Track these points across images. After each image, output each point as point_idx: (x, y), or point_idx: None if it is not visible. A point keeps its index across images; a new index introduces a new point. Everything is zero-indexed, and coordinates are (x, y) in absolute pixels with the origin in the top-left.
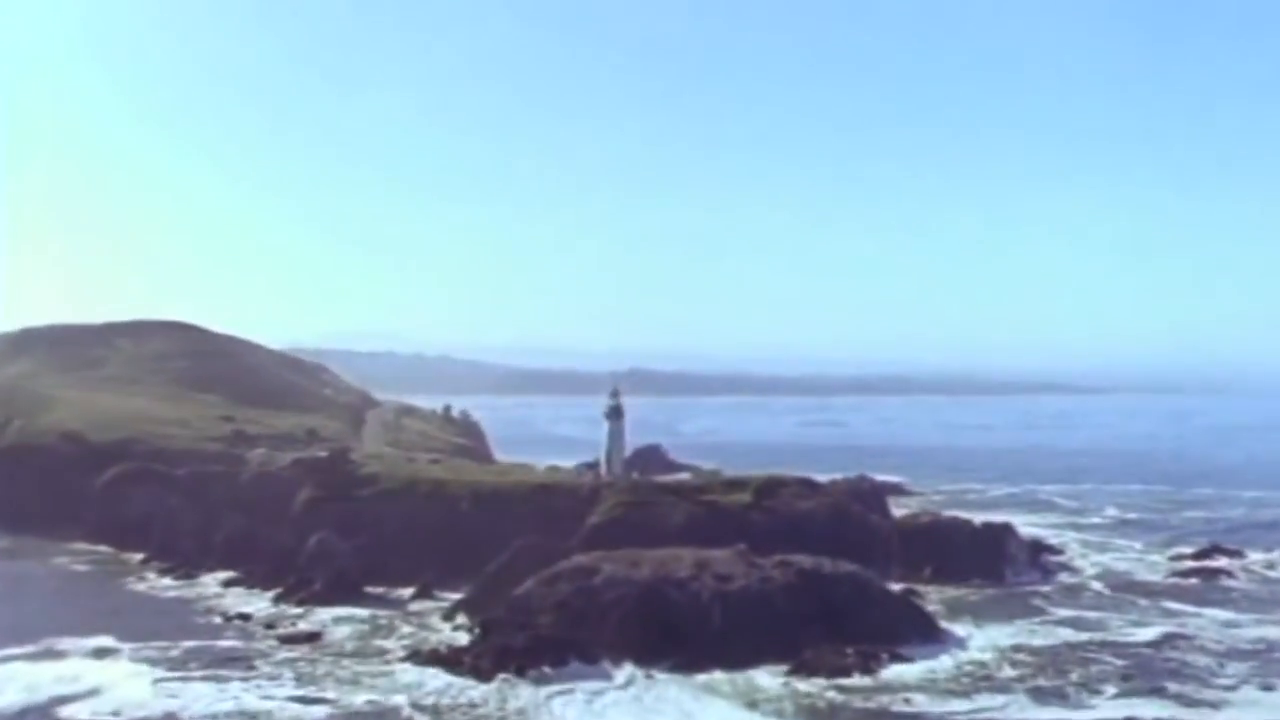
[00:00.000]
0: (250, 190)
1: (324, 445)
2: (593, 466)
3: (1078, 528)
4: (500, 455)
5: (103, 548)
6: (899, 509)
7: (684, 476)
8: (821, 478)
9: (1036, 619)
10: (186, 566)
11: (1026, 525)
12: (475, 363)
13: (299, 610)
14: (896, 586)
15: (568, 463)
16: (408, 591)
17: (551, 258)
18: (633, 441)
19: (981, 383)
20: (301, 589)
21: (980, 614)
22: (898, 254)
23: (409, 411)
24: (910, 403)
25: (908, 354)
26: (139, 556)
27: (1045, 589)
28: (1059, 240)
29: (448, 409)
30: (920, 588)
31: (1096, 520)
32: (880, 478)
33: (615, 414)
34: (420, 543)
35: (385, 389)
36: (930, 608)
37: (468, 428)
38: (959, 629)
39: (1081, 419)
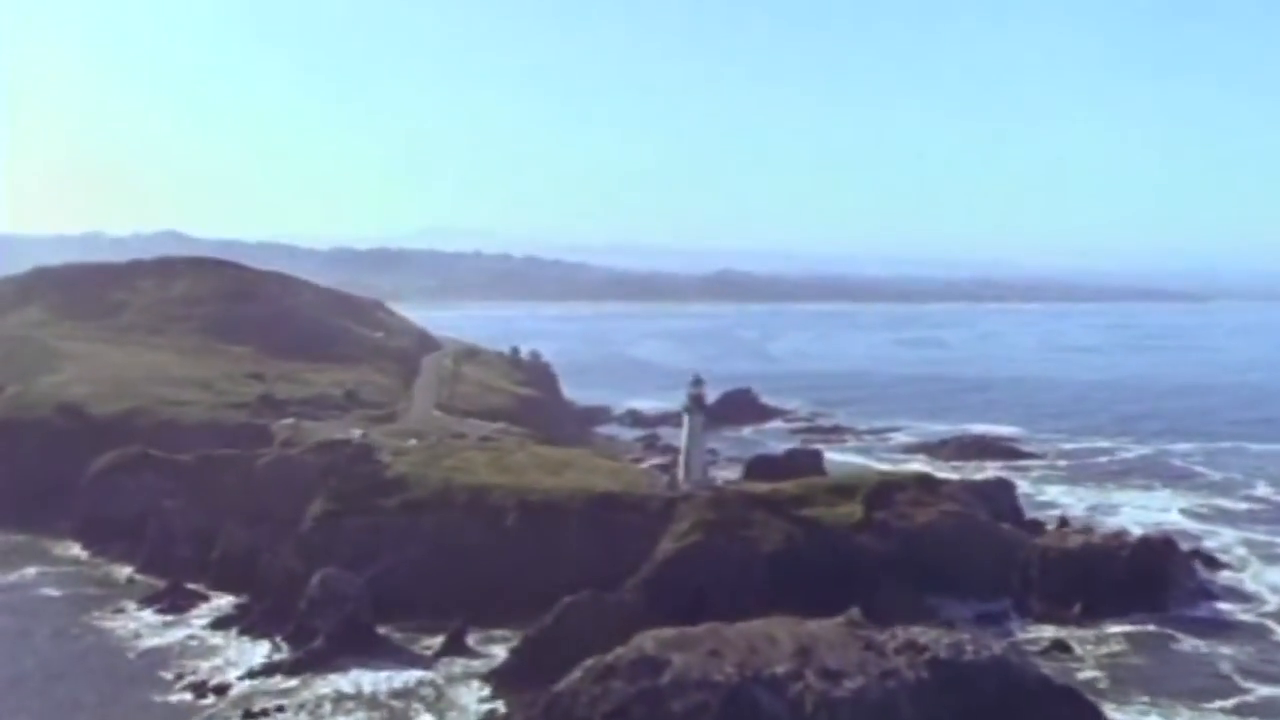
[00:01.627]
0: (331, 86)
1: (361, 417)
2: (668, 469)
3: (1230, 517)
4: (572, 391)
5: (86, 554)
6: (1022, 478)
7: (777, 425)
8: (929, 428)
9: (1230, 699)
10: (173, 596)
11: (1170, 514)
12: (562, 263)
13: (292, 682)
14: (1041, 634)
15: (646, 404)
16: (435, 641)
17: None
18: (723, 366)
19: (1076, 290)
20: (302, 641)
21: (1155, 689)
22: (993, 153)
23: (471, 355)
24: (1005, 312)
25: (999, 255)
26: (126, 571)
27: (1225, 649)
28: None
29: (515, 351)
30: (1069, 633)
31: (1248, 505)
32: (992, 431)
33: (696, 407)
34: (455, 568)
35: (467, 294)
36: (1089, 675)
37: (535, 371)
38: None
39: (1188, 337)
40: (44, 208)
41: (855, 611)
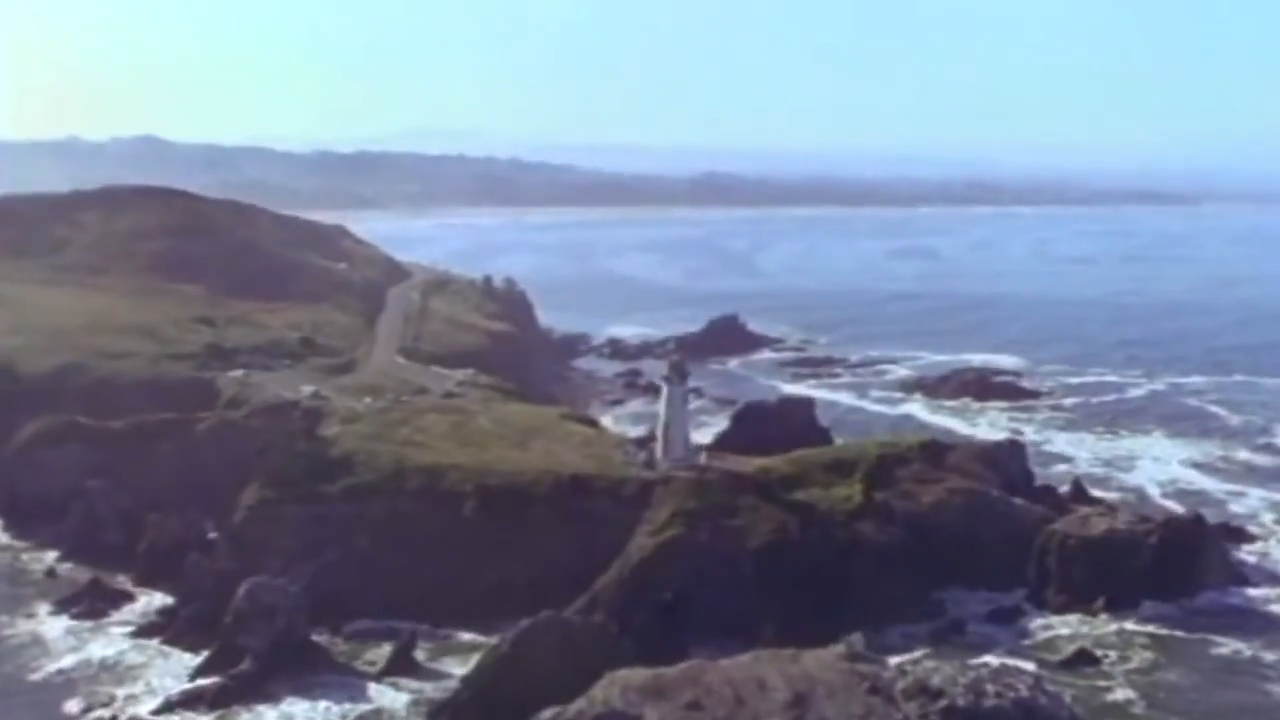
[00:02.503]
0: None
1: (316, 368)
2: (644, 444)
3: (1256, 475)
4: (551, 316)
5: (6, 538)
6: (1027, 424)
7: (766, 356)
8: (925, 359)
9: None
10: (92, 597)
11: (1190, 471)
12: (546, 165)
13: (213, 717)
14: (1060, 632)
15: (627, 330)
16: (382, 653)
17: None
18: (709, 282)
19: (1068, 192)
20: (228, 662)
21: (1196, 711)
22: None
23: (440, 287)
24: (997, 217)
25: (988, 154)
26: (50, 558)
27: (1270, 655)
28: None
29: (488, 280)
30: (1092, 629)
31: (1272, 458)
32: (992, 363)
33: (676, 376)
34: (406, 563)
35: (448, 201)
36: (1121, 696)
37: (509, 301)
38: None
39: (1185, 246)
40: (17, 114)
41: (857, 640)
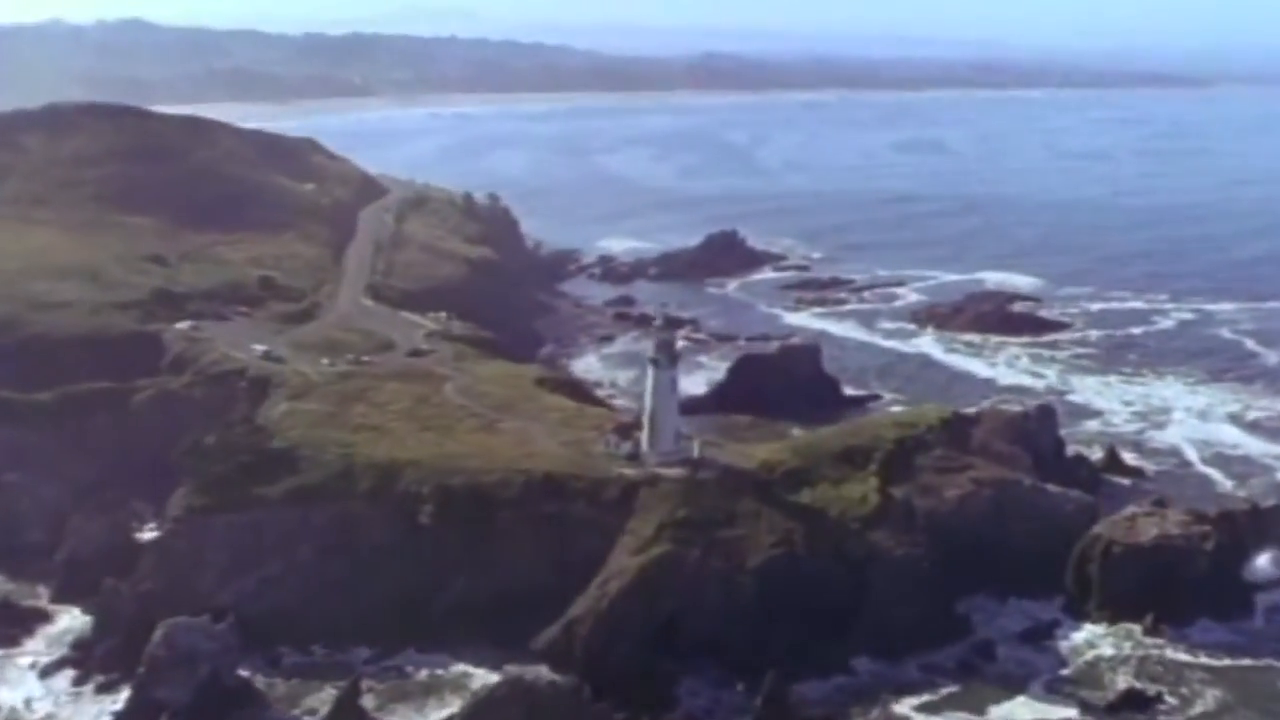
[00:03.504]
0: None
1: (274, 316)
2: (629, 433)
3: None
4: (539, 225)
5: None
6: (1050, 364)
7: (767, 276)
8: (936, 279)
9: None
10: (10, 619)
11: (1230, 427)
12: (542, 47)
13: None
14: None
15: (619, 244)
16: (323, 698)
17: None
18: (707, 182)
19: (1076, 73)
20: (143, 718)
21: None
22: None
23: (418, 205)
24: (1005, 102)
25: (993, 34)
26: None
27: None
28: None
29: (469, 197)
30: (1142, 657)
31: None
32: (1008, 284)
33: (664, 358)
34: (355, 580)
35: (441, 88)
36: None
37: (493, 220)
38: None
39: (1199, 136)
40: None
41: None
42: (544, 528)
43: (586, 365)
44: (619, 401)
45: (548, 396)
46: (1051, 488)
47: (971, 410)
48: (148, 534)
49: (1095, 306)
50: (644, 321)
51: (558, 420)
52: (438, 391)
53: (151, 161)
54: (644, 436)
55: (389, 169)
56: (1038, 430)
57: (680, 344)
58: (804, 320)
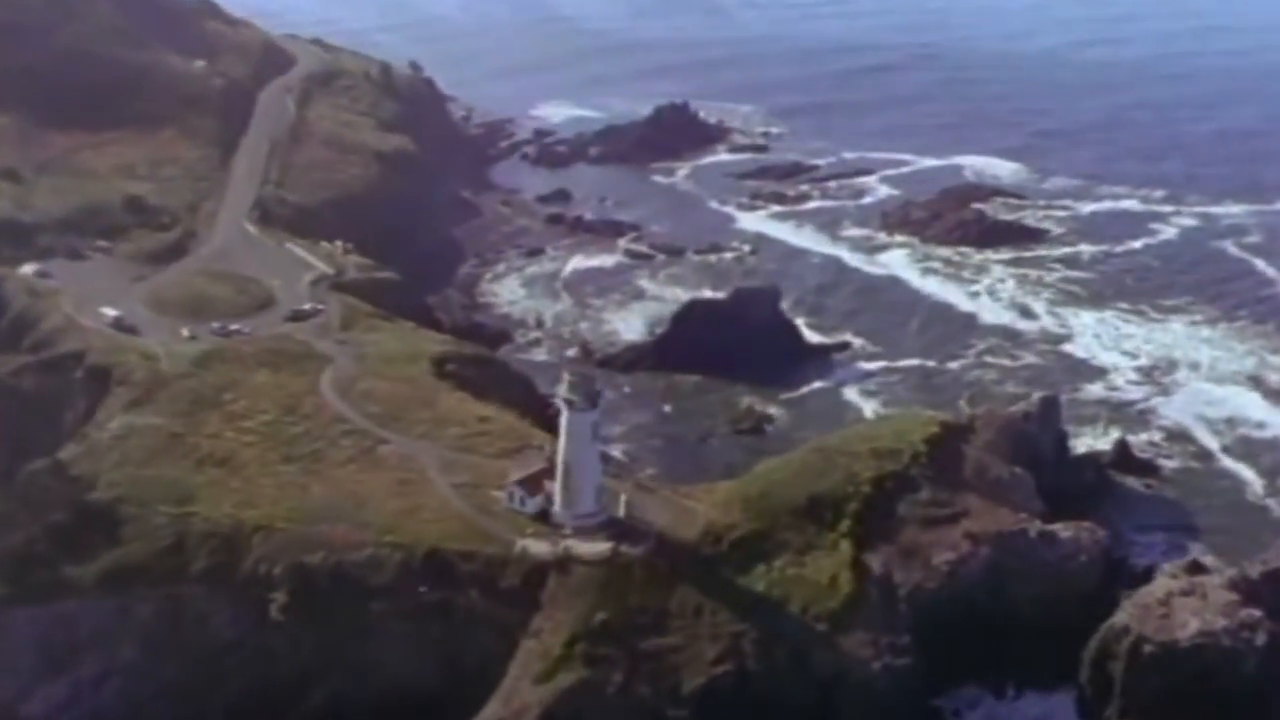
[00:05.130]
0: None
1: (138, 254)
2: (537, 484)
3: None
4: (473, 90)
5: None
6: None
7: (722, 158)
8: (908, 165)
9: None
10: None
11: (1255, 395)
12: None
13: None
14: None
15: (557, 112)
16: None
17: None
18: (661, 26)
19: None
20: None
21: None
22: None
23: (327, 81)
24: None
25: None
26: None
27: None
28: None
29: (386, 70)
30: None
31: None
32: (989, 171)
33: (580, 399)
34: (190, 685)
35: None
36: None
37: (413, 95)
38: None
39: None
40: None
41: None
42: (428, 621)
43: (509, 293)
44: (540, 354)
45: (448, 396)
46: (1062, 531)
47: (964, 408)
48: None
49: (1086, 209)
50: (578, 227)
51: (456, 440)
52: (312, 389)
53: (8, 44)
54: (556, 492)
55: (300, 19)
56: (1039, 433)
57: (622, 256)
58: (760, 224)
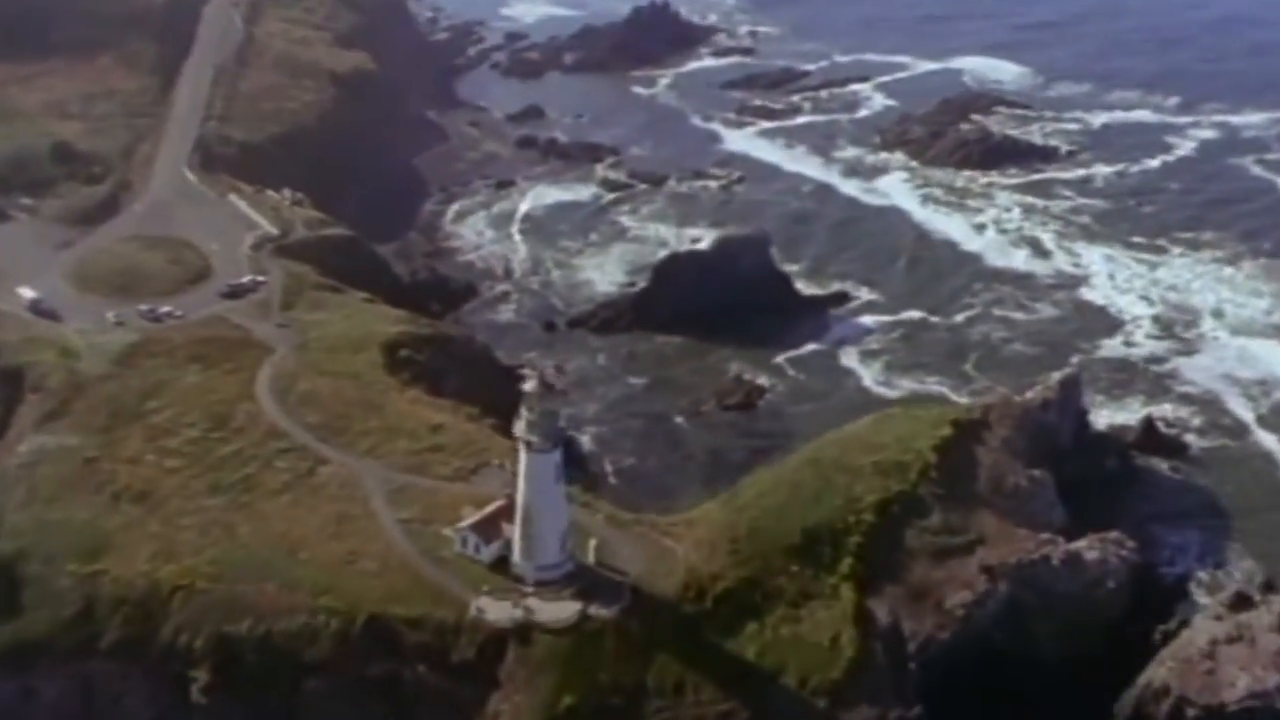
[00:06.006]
0: None
1: (65, 212)
2: (494, 527)
3: None
4: None
5: None
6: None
7: (706, 64)
8: (905, 70)
9: None
10: None
11: (1267, 337)
12: None
13: None
14: None
15: (533, 8)
16: None
17: None
18: None
19: None
20: None
21: None
22: None
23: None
24: None
25: None
26: None
27: None
28: None
29: None
30: None
31: None
32: (991, 75)
33: (540, 439)
34: None
35: None
36: None
37: (371, 3)
38: None
39: None
40: None
41: None
42: (371, 701)
43: (475, 235)
44: (507, 312)
45: (398, 397)
46: (1087, 551)
47: (977, 397)
48: None
49: (1096, 120)
50: (552, 151)
51: (406, 457)
52: (247, 392)
53: None
54: (516, 539)
55: None
56: (1058, 422)
57: (599, 187)
58: (748, 143)
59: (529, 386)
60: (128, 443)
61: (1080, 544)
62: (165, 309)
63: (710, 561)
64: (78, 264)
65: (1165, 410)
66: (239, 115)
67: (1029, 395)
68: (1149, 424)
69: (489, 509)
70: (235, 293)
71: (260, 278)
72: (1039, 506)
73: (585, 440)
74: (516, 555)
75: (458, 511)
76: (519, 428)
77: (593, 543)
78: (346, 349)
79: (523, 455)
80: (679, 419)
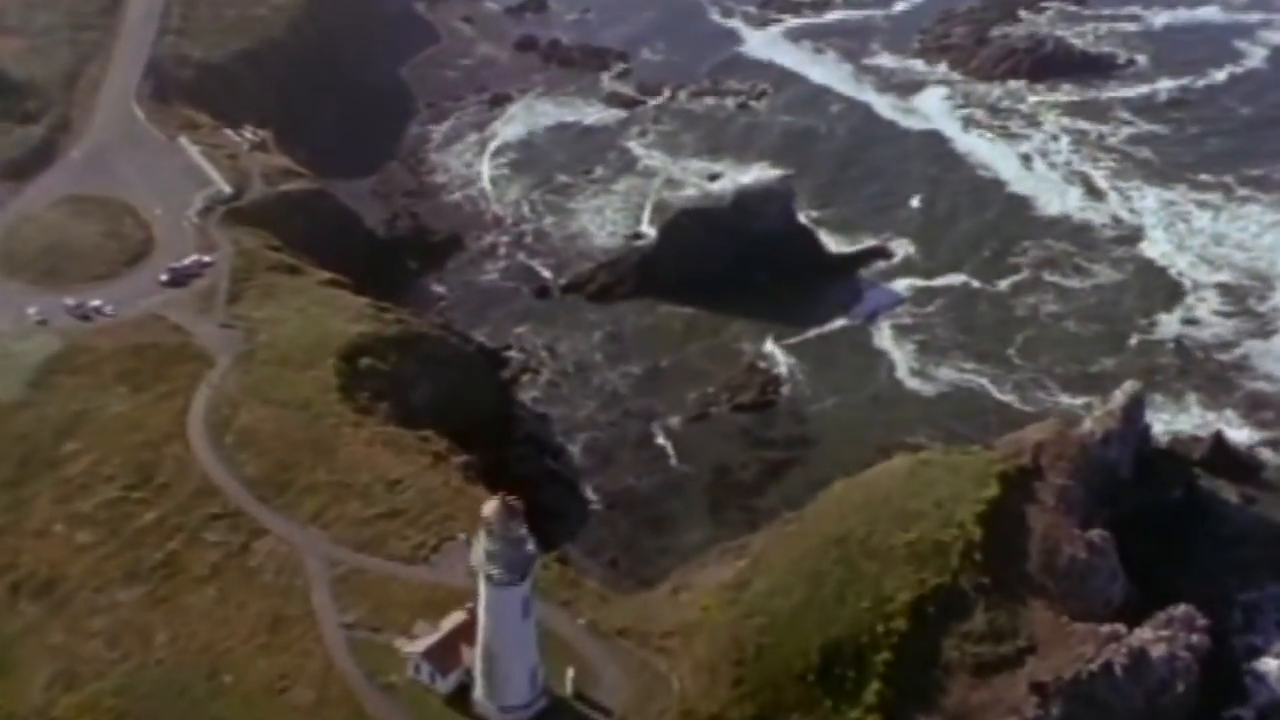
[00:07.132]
0: None
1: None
2: (450, 655)
3: None
4: None
5: None
6: (1103, 156)
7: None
8: None
9: None
10: None
11: None
12: None
13: None
14: None
15: None
16: None
17: None
18: None
19: None
20: None
21: None
22: None
23: None
24: None
25: None
26: None
27: None
28: None
29: None
30: None
31: None
32: None
33: (503, 573)
34: None
35: None
36: None
37: None
38: None
39: None
40: None
41: None
42: None
43: (464, 167)
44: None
45: (353, 435)
46: (1153, 645)
47: (1026, 434)
48: None
49: (1156, 20)
50: (553, 57)
51: (357, 524)
52: (179, 427)
53: None
54: (478, 674)
55: None
56: (1119, 457)
57: (604, 104)
58: (772, 47)
59: (488, 510)
60: (36, 505)
61: (1145, 634)
62: (95, 303)
63: (710, 695)
64: (1, 238)
65: (1232, 415)
66: (199, 27)
67: (1086, 427)
68: (1219, 441)
69: (446, 628)
70: (176, 280)
71: (206, 259)
72: (1099, 583)
73: (575, 452)
74: (478, 691)
75: (412, 617)
76: (477, 556)
77: (570, 673)
78: (297, 361)
79: (483, 588)
80: (682, 423)
